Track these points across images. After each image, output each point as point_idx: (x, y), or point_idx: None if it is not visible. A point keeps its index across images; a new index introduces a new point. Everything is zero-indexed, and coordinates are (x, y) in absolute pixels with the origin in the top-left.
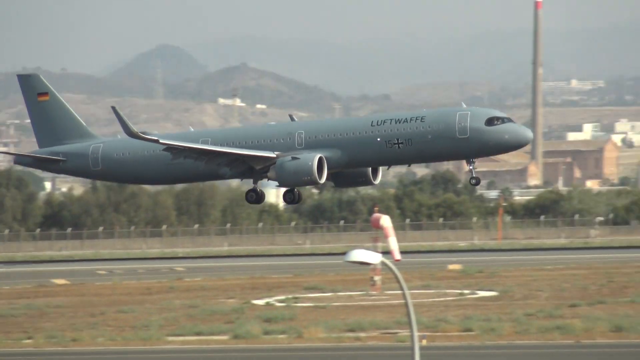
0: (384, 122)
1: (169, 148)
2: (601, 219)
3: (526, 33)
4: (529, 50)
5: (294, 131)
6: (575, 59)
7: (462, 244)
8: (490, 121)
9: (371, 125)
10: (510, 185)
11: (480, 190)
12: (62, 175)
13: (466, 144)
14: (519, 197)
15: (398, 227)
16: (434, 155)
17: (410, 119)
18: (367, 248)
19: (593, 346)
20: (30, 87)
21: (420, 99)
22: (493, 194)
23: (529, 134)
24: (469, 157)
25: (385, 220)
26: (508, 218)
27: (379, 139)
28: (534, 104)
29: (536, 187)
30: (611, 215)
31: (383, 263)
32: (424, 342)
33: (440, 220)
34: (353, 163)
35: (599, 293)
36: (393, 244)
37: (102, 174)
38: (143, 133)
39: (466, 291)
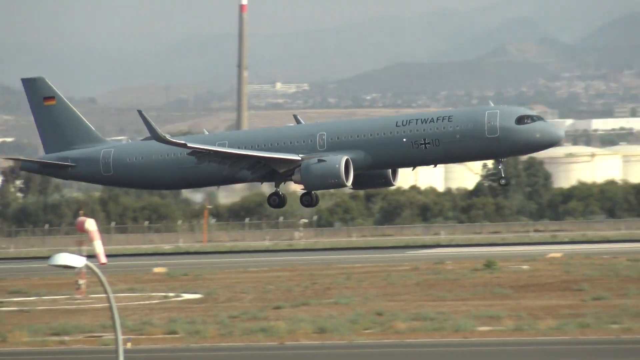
0: (410, 122)
1: (195, 152)
2: (305, 221)
3: (232, 37)
4: (235, 54)
5: (315, 133)
6: (279, 62)
7: (167, 247)
8: (521, 120)
9: (396, 125)
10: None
11: (185, 193)
12: None
13: (496, 143)
14: (224, 199)
15: (103, 231)
16: (461, 156)
17: (437, 119)
18: (72, 252)
19: (296, 347)
20: (36, 91)
21: (125, 102)
22: (198, 196)
23: (560, 132)
24: (498, 156)
25: (90, 224)
26: (213, 221)
27: (404, 140)
28: (239, 107)
29: (241, 189)
30: (315, 218)
31: (88, 266)
32: (129, 345)
33: (146, 223)
34: (378, 164)
35: (303, 295)
36: (98, 247)
37: (114, 179)
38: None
39: (171, 294)
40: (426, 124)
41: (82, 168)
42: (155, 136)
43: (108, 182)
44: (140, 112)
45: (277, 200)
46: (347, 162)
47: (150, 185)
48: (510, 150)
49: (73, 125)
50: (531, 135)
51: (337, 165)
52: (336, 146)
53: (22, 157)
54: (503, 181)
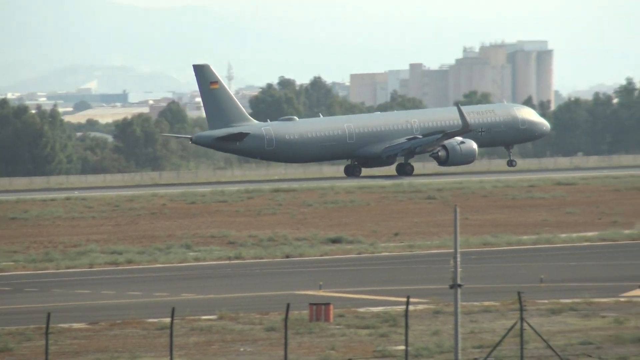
0: (469, 113)
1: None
2: None
3: None
4: None
5: (410, 119)
6: None
7: None
8: (537, 115)
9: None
10: None
11: None
12: None
13: (523, 133)
14: None
15: None
16: (500, 142)
17: (485, 112)
18: None
19: None
20: (204, 76)
21: None
22: None
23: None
24: (519, 143)
25: None
26: None
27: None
28: None
29: None
30: None
31: None
32: None
33: None
34: None
35: None
36: None
37: (274, 153)
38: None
39: None
40: (479, 115)
41: (248, 143)
42: (467, 127)
43: (268, 155)
44: (457, 104)
45: (412, 169)
46: None
47: (298, 159)
48: (529, 139)
49: (231, 106)
50: (542, 127)
51: (474, 147)
52: (428, 131)
53: (190, 135)
54: (514, 163)
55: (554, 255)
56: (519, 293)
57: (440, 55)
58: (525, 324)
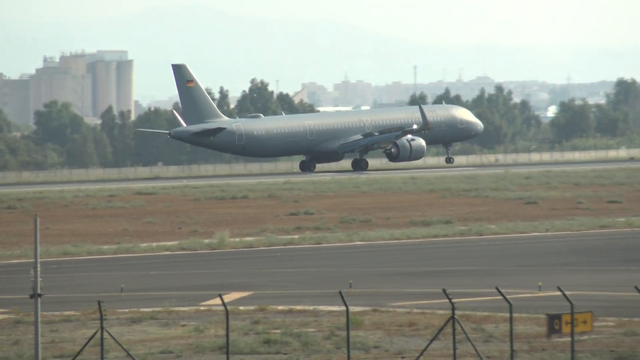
0: (414, 113)
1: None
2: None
3: None
4: None
5: (362, 117)
6: None
7: None
8: (473, 115)
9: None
10: None
11: None
12: None
13: (461, 132)
14: None
15: None
16: (440, 140)
17: (427, 112)
18: None
19: None
20: (182, 75)
21: None
22: None
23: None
24: (457, 141)
25: None
26: None
27: (415, 126)
28: None
29: None
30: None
31: None
32: None
33: None
34: None
35: None
36: None
37: (243, 147)
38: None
39: None
40: (423, 114)
41: (221, 138)
42: (425, 126)
43: (238, 150)
44: (419, 103)
45: (366, 164)
46: None
47: (265, 154)
48: (467, 137)
49: (206, 103)
50: (477, 126)
51: (423, 145)
52: (379, 129)
53: (169, 130)
54: (452, 160)
55: (135, 265)
56: (99, 302)
57: (20, 64)
58: (105, 333)
